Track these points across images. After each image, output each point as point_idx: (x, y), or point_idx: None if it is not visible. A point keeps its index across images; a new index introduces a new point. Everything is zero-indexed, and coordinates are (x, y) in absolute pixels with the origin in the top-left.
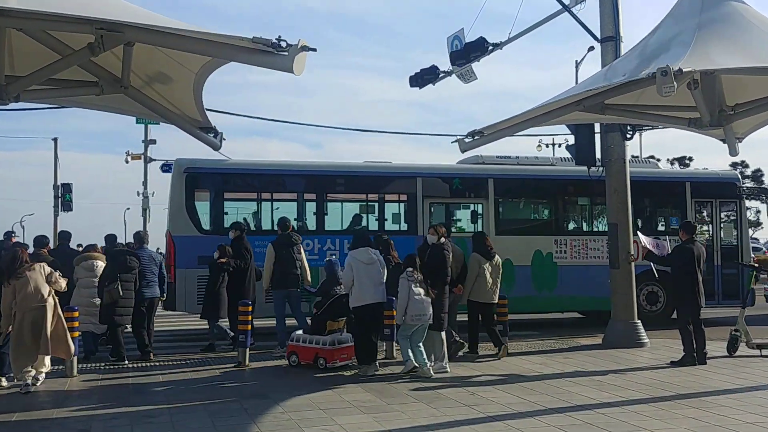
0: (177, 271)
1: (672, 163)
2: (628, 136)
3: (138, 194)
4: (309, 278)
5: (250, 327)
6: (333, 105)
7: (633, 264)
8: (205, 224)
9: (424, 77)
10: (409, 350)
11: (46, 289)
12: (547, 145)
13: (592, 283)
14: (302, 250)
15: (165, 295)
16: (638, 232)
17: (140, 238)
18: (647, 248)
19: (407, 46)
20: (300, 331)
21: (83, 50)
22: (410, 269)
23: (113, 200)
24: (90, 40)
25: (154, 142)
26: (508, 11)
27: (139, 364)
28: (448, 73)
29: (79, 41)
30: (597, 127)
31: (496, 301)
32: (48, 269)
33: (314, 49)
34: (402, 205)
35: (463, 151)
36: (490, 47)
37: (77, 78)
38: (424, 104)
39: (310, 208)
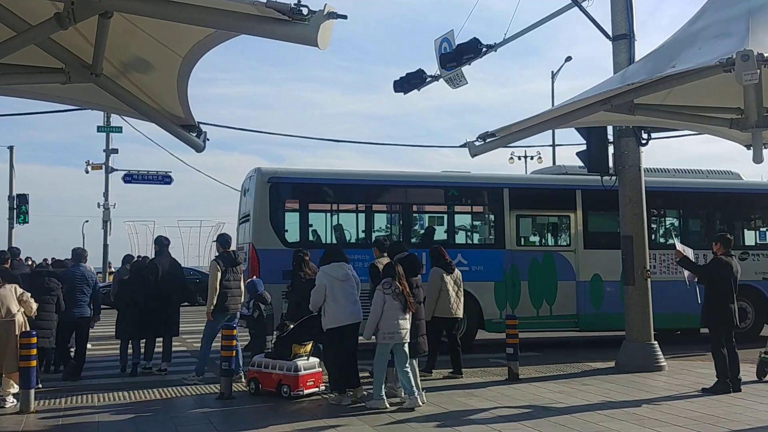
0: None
1: None
2: (643, 141)
3: (98, 206)
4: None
5: (234, 353)
6: (294, 118)
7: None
8: (291, 237)
9: (411, 82)
10: (383, 385)
11: (15, 306)
12: (519, 158)
13: (686, 300)
14: (241, 270)
15: (96, 315)
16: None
17: (78, 254)
18: (682, 253)
19: (369, 60)
20: (261, 356)
21: (47, 23)
22: (388, 279)
23: (72, 213)
24: (57, 9)
25: (115, 151)
26: (496, 16)
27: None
28: (435, 78)
29: (41, 15)
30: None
31: (460, 316)
32: (20, 290)
33: (344, 16)
34: (487, 216)
35: (473, 155)
36: (484, 48)
37: (39, 64)
38: (383, 118)
39: (395, 219)
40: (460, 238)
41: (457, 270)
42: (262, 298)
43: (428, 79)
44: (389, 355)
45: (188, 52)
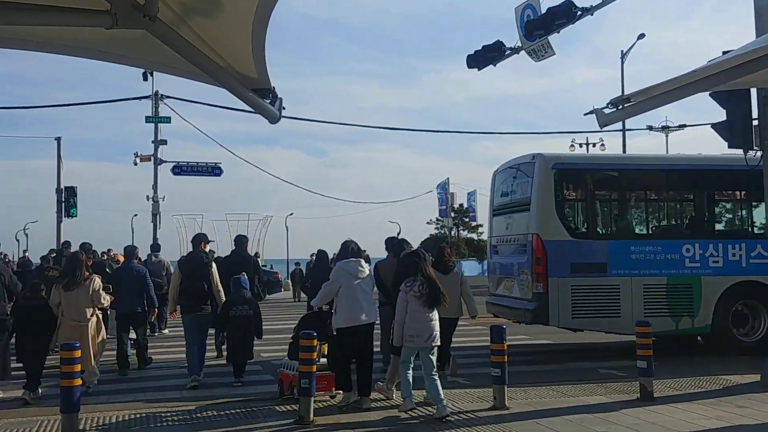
0: (549, 280)
1: None
2: None
3: (147, 199)
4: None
5: (314, 368)
6: (332, 112)
7: None
8: (578, 227)
9: (487, 55)
10: (410, 385)
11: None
12: (581, 145)
13: None
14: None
15: (151, 309)
16: None
17: (129, 252)
18: None
19: (404, 53)
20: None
21: None
22: (410, 278)
23: (120, 208)
24: None
25: (164, 142)
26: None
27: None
28: (515, 50)
29: None
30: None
31: (456, 317)
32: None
33: None
34: None
35: (602, 126)
36: (579, 12)
37: (79, 5)
38: (420, 111)
39: (690, 208)
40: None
41: (456, 270)
42: (243, 297)
43: (507, 52)
44: (411, 360)
45: None
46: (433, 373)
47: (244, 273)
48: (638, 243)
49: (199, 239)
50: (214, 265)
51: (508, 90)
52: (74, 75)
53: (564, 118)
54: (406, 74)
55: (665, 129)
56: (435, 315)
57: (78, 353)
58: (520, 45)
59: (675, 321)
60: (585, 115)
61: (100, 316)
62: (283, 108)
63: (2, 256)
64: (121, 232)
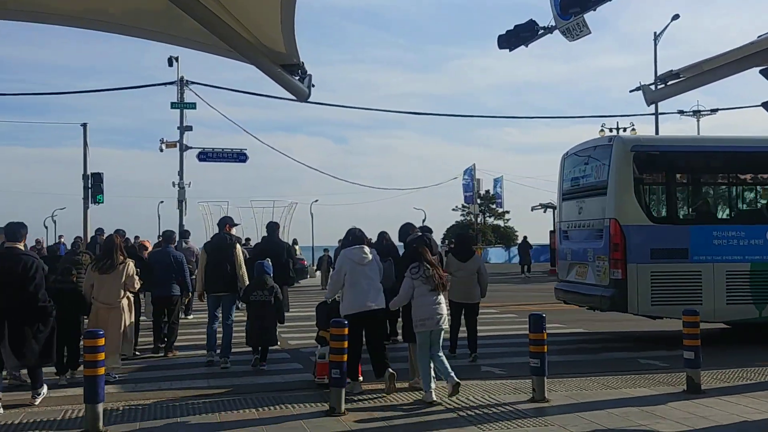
0: (628, 266)
1: None
2: None
3: (173, 185)
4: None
5: (345, 357)
6: (354, 99)
7: None
8: (658, 212)
9: (520, 35)
10: (432, 375)
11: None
12: (610, 129)
13: None
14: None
15: (185, 293)
16: None
17: (167, 236)
18: None
19: (426, 39)
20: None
21: None
22: (416, 264)
23: (148, 194)
24: None
25: (190, 128)
26: None
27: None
28: (549, 30)
29: None
30: None
31: (477, 302)
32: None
33: None
34: None
35: (649, 103)
36: None
37: None
38: (442, 97)
39: None
40: None
41: (475, 257)
42: (263, 282)
43: (540, 32)
44: (428, 342)
45: None
46: (440, 352)
47: (268, 258)
48: (721, 228)
49: (225, 221)
50: (238, 246)
51: (531, 77)
52: (102, 63)
53: (588, 105)
54: (430, 61)
55: (696, 113)
56: (442, 299)
57: (102, 341)
58: (554, 24)
59: (759, 309)
60: (631, 92)
61: (132, 299)
62: (313, 85)
63: (37, 243)
64: (148, 218)
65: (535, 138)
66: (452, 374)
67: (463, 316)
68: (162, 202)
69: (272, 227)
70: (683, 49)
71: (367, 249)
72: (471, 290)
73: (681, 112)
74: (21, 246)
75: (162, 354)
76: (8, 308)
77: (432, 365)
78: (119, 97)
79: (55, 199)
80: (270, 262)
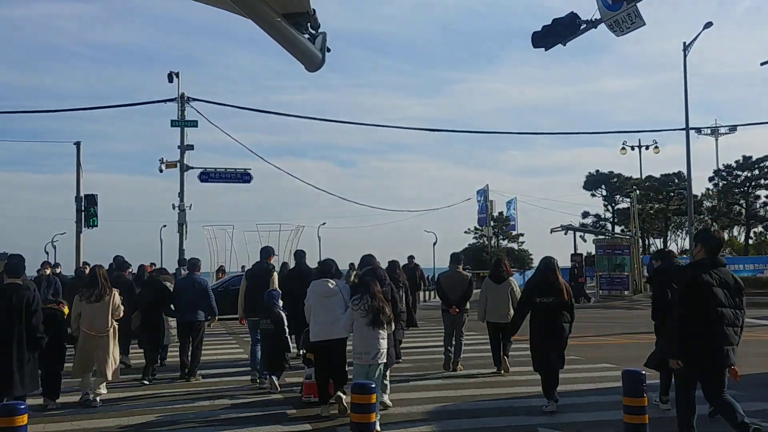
0: None
1: None
2: None
3: (173, 207)
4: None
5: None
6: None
7: None
8: None
9: (558, 32)
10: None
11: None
12: (632, 148)
13: None
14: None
15: (212, 317)
16: None
17: (192, 264)
18: None
19: (432, 63)
20: None
21: None
22: (357, 296)
23: (148, 219)
24: None
25: (191, 147)
26: None
27: None
28: (593, 23)
29: None
30: None
31: (507, 322)
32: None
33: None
34: None
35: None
36: None
37: None
38: (447, 121)
39: None
40: None
41: (510, 279)
42: (269, 311)
43: (583, 26)
44: (364, 375)
45: None
46: (378, 387)
47: (276, 287)
48: None
49: (268, 252)
50: (275, 274)
51: (535, 98)
52: (100, 86)
53: (592, 126)
54: (434, 85)
55: (714, 132)
56: (382, 333)
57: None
58: (600, 17)
59: None
60: (762, 64)
61: (116, 327)
62: (328, 49)
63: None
64: (150, 243)
65: (540, 160)
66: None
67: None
68: (165, 225)
69: (300, 254)
70: (690, 72)
71: (332, 282)
72: (506, 311)
73: (698, 130)
74: (20, 281)
75: (186, 379)
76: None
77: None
78: (122, 120)
79: (56, 225)
80: (278, 291)
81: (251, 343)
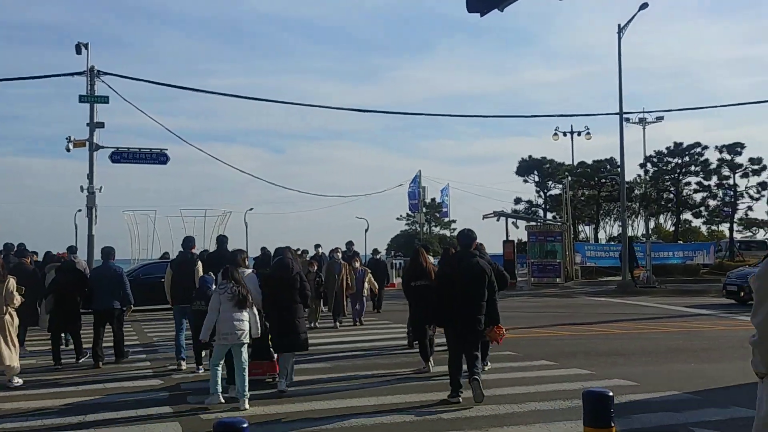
0: None
1: (721, 151)
2: None
3: (82, 190)
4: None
5: None
6: (296, 111)
7: None
8: None
9: None
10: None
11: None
12: (564, 134)
13: None
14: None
15: (127, 306)
16: None
17: (106, 253)
18: None
19: (366, 50)
20: None
21: None
22: (223, 282)
23: (66, 204)
24: None
25: (101, 125)
26: None
27: None
28: None
29: None
30: None
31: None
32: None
33: None
34: None
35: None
36: None
37: None
38: (385, 108)
39: None
40: None
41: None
42: (203, 294)
43: None
44: (223, 355)
45: None
46: (244, 368)
47: (211, 273)
48: None
49: (190, 243)
50: (199, 263)
51: (466, 88)
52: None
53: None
54: (368, 72)
55: (642, 121)
56: (245, 315)
57: None
58: None
59: None
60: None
61: (14, 314)
62: None
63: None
64: (66, 229)
65: (469, 150)
66: (246, 397)
67: None
68: (80, 210)
69: (222, 240)
70: (609, 66)
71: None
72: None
73: (627, 119)
74: None
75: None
76: None
77: (219, 373)
78: (36, 104)
79: None
80: (213, 276)
81: (175, 330)
